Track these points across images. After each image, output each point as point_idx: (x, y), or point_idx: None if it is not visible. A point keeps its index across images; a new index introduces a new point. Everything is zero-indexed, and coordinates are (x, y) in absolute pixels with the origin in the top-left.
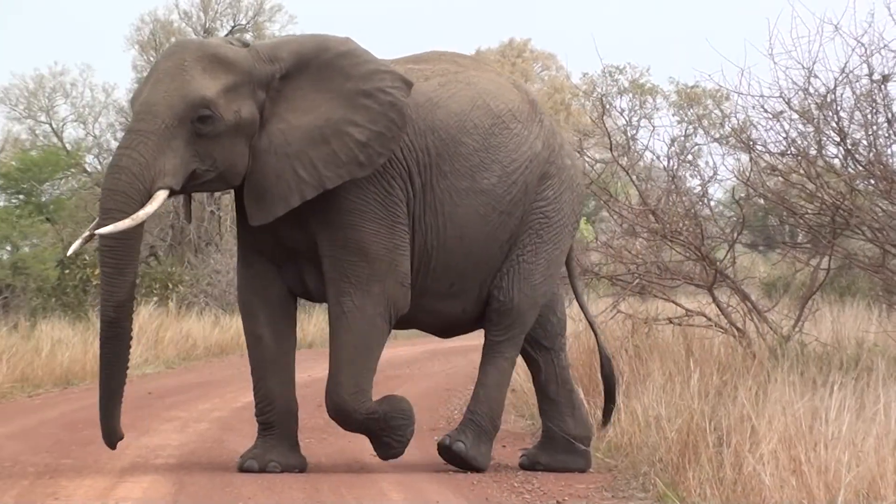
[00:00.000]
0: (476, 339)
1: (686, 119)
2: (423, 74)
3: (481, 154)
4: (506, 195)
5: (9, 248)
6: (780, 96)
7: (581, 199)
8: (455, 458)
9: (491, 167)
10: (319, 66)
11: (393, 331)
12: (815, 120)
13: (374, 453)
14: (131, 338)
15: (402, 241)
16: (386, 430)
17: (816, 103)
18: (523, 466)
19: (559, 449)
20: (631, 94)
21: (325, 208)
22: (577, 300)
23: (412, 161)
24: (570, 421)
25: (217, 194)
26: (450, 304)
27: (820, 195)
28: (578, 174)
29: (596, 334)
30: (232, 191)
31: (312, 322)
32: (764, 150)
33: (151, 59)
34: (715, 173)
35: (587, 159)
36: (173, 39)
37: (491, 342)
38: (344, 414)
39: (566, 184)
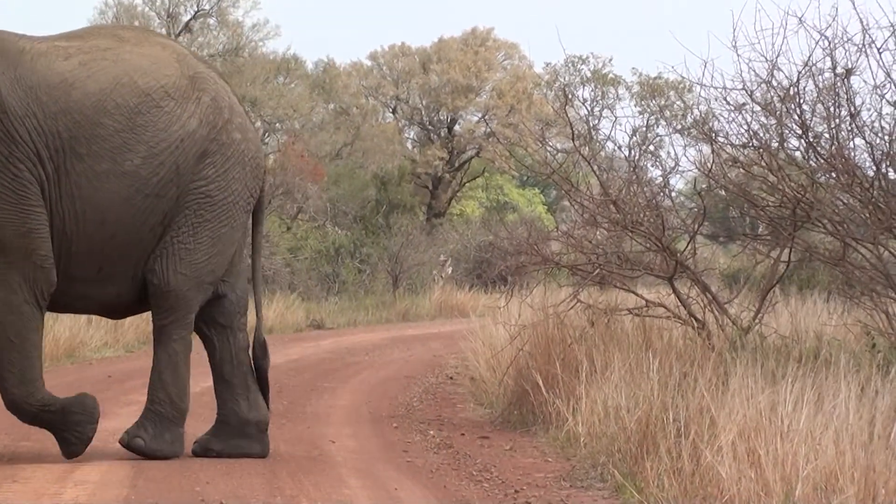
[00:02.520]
0: (437, 326)
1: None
2: (66, 53)
3: (124, 135)
4: (152, 177)
5: None
6: (743, 88)
7: (257, 172)
8: (140, 453)
9: (135, 148)
10: None
11: (351, 317)
12: (778, 112)
13: (334, 440)
14: None
15: (39, 224)
16: (64, 424)
17: (779, 96)
18: (195, 454)
19: (234, 434)
20: (593, 85)
21: None
22: (253, 276)
23: (41, 145)
24: (244, 404)
25: None
26: (102, 288)
27: (781, 188)
28: (252, 147)
29: (258, 318)
30: None
31: (272, 308)
32: (726, 141)
33: None
34: (676, 164)
35: (549, 149)
36: (137, 23)
37: (157, 326)
38: (15, 407)
39: (234, 159)
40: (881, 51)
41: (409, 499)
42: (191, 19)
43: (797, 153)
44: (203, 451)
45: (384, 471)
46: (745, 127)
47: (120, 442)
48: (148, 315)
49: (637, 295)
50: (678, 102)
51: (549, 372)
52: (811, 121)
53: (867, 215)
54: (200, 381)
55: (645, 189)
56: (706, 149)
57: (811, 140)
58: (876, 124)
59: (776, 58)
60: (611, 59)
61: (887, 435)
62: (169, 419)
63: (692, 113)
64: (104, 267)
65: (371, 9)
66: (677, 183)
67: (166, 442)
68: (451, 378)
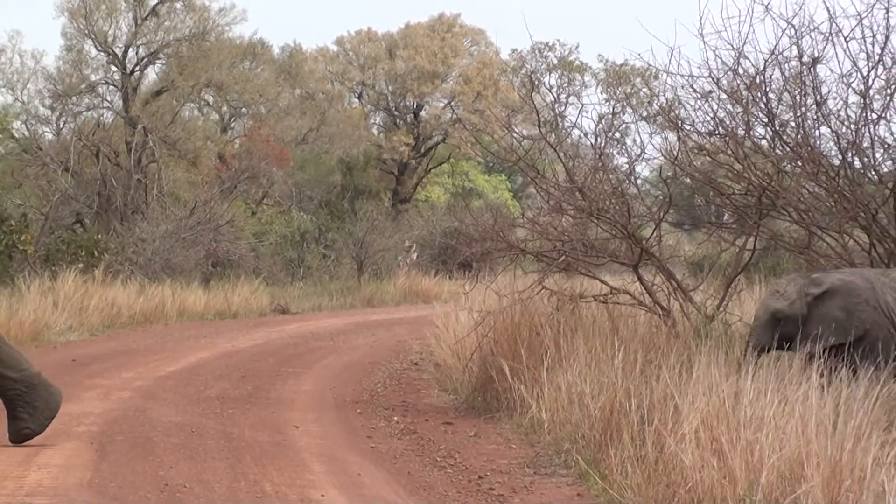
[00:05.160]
0: (402, 312)
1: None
2: None
3: None
4: None
5: None
6: (710, 76)
7: None
8: None
9: None
10: None
11: (316, 302)
12: (744, 101)
13: (297, 425)
14: None
15: None
16: None
17: (745, 84)
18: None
19: None
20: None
21: None
22: None
23: None
24: None
25: (144, 161)
26: None
27: (747, 176)
28: None
29: None
30: (159, 159)
31: (237, 293)
32: (692, 129)
33: (81, 26)
34: (642, 152)
35: (515, 135)
36: (104, 7)
37: None
38: None
39: None
40: (847, 40)
41: (372, 484)
42: (158, 3)
43: (763, 141)
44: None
45: (348, 456)
46: (712, 115)
47: None
48: (112, 299)
49: (602, 282)
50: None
51: (514, 358)
52: (777, 109)
53: (833, 204)
54: (164, 365)
55: (611, 176)
56: (672, 136)
57: (777, 128)
58: (842, 113)
59: (742, 46)
60: (577, 46)
61: (853, 423)
62: None
63: (658, 100)
64: None
65: None
66: (643, 170)
67: None
68: (416, 364)
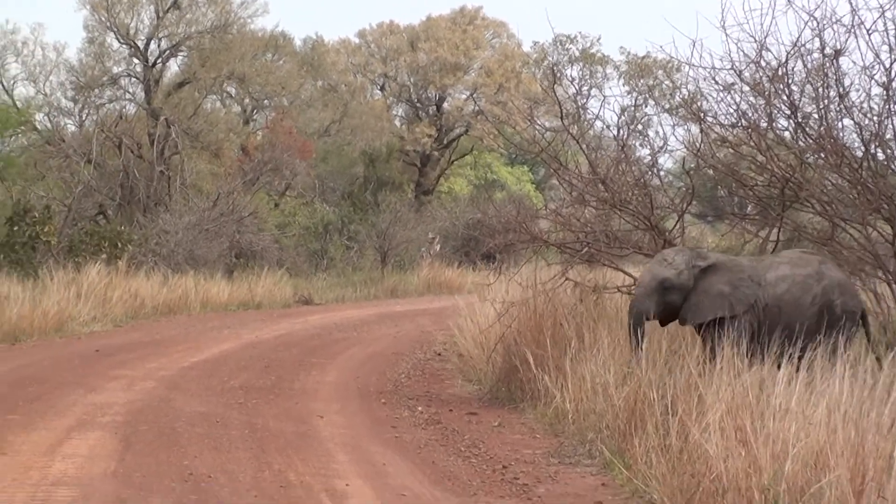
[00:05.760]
0: (425, 303)
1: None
2: None
3: None
4: None
5: None
6: (732, 68)
7: None
8: None
9: None
10: None
11: (339, 293)
12: (766, 93)
13: (322, 416)
14: None
15: None
16: None
17: (768, 76)
18: None
19: None
20: (581, 64)
21: None
22: None
23: None
24: None
25: (166, 153)
26: None
27: (770, 167)
28: None
29: None
30: (182, 151)
31: (260, 284)
32: (714, 121)
33: (103, 19)
34: (665, 144)
35: (537, 127)
36: (125, 0)
37: None
38: None
39: None
40: (870, 32)
41: (397, 474)
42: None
43: (786, 133)
44: None
45: (372, 446)
46: (734, 107)
47: None
48: (135, 290)
49: (625, 273)
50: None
51: (538, 349)
52: (800, 101)
53: (856, 196)
54: (188, 356)
55: (633, 168)
56: (695, 128)
57: (800, 120)
58: (864, 105)
59: (765, 38)
60: (599, 39)
61: (878, 414)
62: None
63: (681, 93)
64: None
65: None
66: (666, 162)
67: None
68: (440, 354)
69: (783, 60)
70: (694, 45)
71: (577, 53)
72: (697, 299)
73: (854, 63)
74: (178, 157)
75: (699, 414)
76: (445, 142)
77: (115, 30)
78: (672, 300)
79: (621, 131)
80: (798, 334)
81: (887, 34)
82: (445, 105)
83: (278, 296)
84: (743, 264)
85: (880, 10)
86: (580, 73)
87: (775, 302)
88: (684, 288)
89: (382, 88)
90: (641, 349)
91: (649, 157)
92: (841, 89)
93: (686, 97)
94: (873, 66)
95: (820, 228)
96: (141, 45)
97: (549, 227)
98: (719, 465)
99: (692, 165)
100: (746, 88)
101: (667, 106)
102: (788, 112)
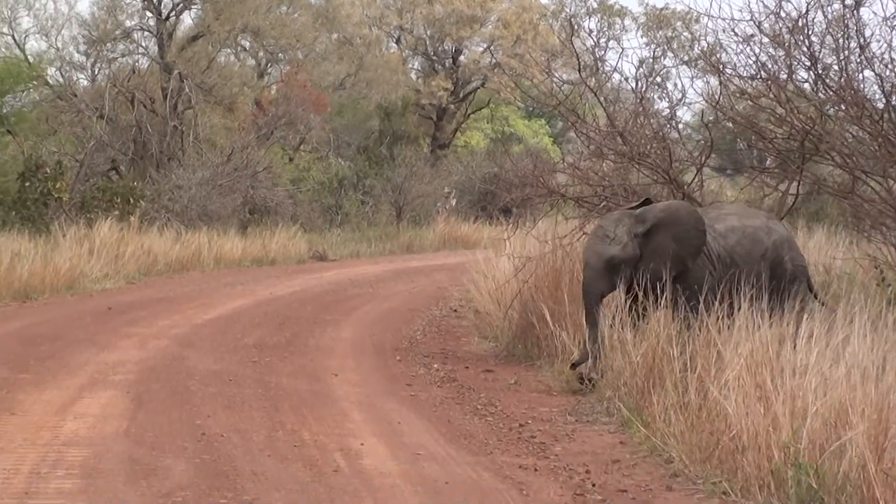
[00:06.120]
0: (441, 258)
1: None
2: None
3: None
4: None
5: None
6: (751, 20)
7: None
8: None
9: None
10: None
11: (354, 249)
12: (786, 44)
13: (336, 373)
14: None
15: None
16: None
17: (787, 27)
18: None
19: None
20: (599, 16)
21: None
22: None
23: None
24: None
25: (180, 108)
26: None
27: (790, 120)
28: None
29: None
30: (195, 105)
31: (274, 240)
32: (733, 73)
33: None
34: (683, 96)
35: (555, 80)
36: None
37: None
38: None
39: None
40: None
41: (412, 432)
42: None
43: (806, 85)
44: None
45: (387, 404)
46: (753, 58)
47: None
48: (148, 247)
49: None
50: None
51: (555, 304)
52: (820, 52)
53: (877, 148)
54: (201, 313)
55: (652, 121)
56: (714, 81)
57: (820, 72)
58: (886, 56)
59: None
60: None
61: None
62: None
63: (699, 44)
64: None
65: None
66: (684, 115)
67: None
68: (455, 311)
69: (803, 11)
70: None
71: (595, 5)
72: (647, 265)
73: (875, 14)
74: (191, 112)
75: (718, 371)
76: (462, 95)
77: None
78: (626, 274)
79: (639, 84)
80: (754, 288)
81: None
82: (462, 58)
83: (293, 252)
84: (683, 214)
85: None
86: (598, 24)
87: (727, 253)
88: (632, 260)
89: (398, 41)
90: (599, 340)
91: (668, 110)
92: (862, 40)
93: (705, 49)
94: (894, 17)
95: (840, 181)
96: None
97: (567, 180)
98: (739, 422)
99: (711, 118)
100: (766, 40)
101: (685, 58)
102: (808, 63)
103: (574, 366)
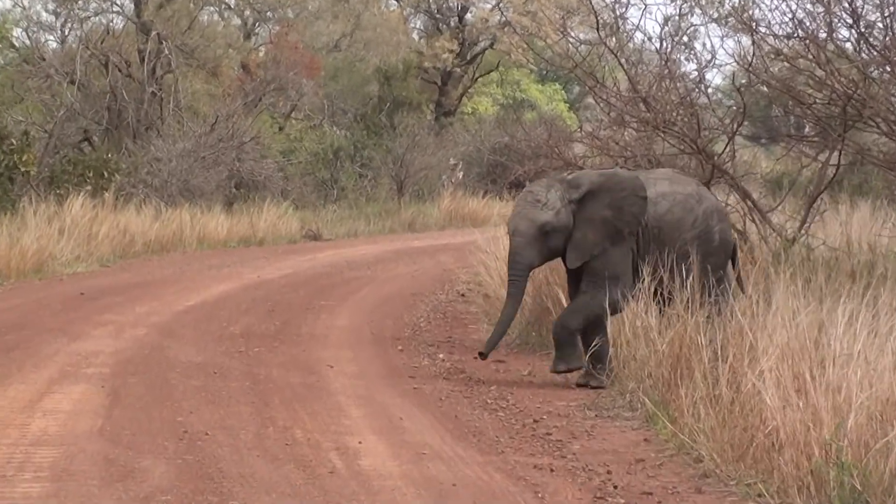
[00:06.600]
0: (447, 237)
1: None
2: None
3: None
4: None
5: None
6: None
7: None
8: None
9: None
10: None
11: (351, 227)
12: None
13: (332, 365)
14: None
15: None
16: None
17: None
18: None
19: None
20: None
21: None
22: None
23: None
24: None
25: (158, 72)
26: None
27: (830, 83)
28: None
29: None
30: (175, 70)
31: (263, 217)
32: (768, 32)
33: None
34: (713, 57)
35: (571, 40)
36: None
37: None
38: None
39: None
40: None
41: (415, 429)
42: None
43: (847, 45)
44: None
45: (388, 398)
46: (790, 15)
47: None
48: (124, 226)
49: None
50: None
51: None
52: (863, 9)
53: None
54: (182, 299)
55: (678, 85)
56: (746, 40)
57: (863, 30)
58: None
59: None
60: None
61: None
62: None
63: (730, 0)
64: None
65: None
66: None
67: None
68: (463, 295)
69: None
70: None
71: None
72: (581, 234)
73: None
74: (171, 77)
75: (752, 360)
76: (469, 57)
77: None
78: (555, 244)
79: (664, 44)
80: (676, 261)
81: None
82: (468, 16)
83: (283, 230)
84: (623, 179)
85: None
86: None
87: (656, 223)
88: (566, 228)
89: None
90: (510, 318)
91: (696, 73)
92: None
93: (736, 5)
94: None
95: (886, 150)
96: None
97: (585, 151)
98: (775, 417)
99: (743, 81)
100: None
101: (715, 15)
102: (850, 21)
103: (483, 355)
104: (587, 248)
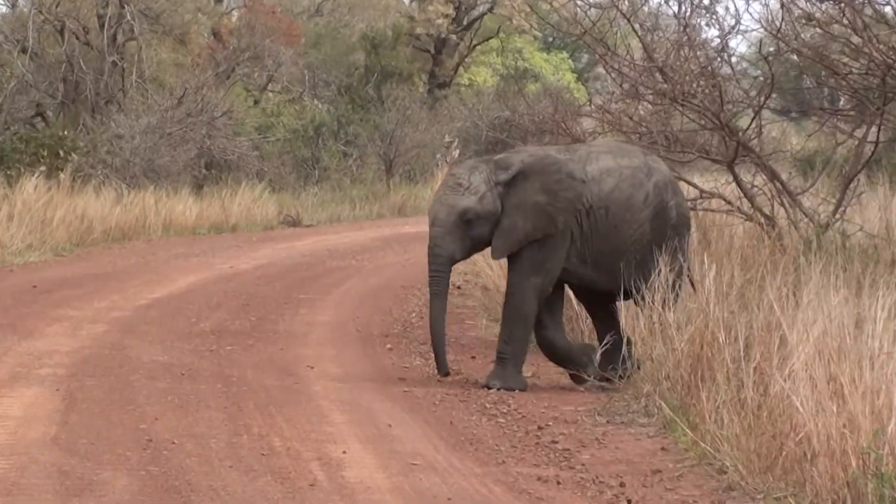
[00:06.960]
0: None
1: None
2: None
3: None
4: None
5: None
6: None
7: None
8: None
9: None
10: None
11: (334, 212)
12: None
13: (313, 365)
14: None
15: None
16: None
17: None
18: None
19: None
20: None
21: None
22: None
23: None
24: None
25: (120, 39)
26: None
27: (867, 51)
28: None
29: None
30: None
31: (236, 201)
32: None
33: None
34: (738, 23)
35: (579, 3)
36: None
37: None
38: None
39: None
40: None
41: (406, 437)
42: None
43: (888, 8)
44: None
45: (375, 403)
46: None
47: None
48: (82, 211)
49: (689, 183)
50: None
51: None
52: None
53: None
54: (146, 292)
55: (698, 53)
56: (774, 3)
57: None
58: None
59: None
60: None
61: None
62: None
63: None
64: None
65: None
66: (738, 46)
67: None
68: (459, 288)
69: None
70: None
71: None
72: (509, 222)
73: None
74: (134, 45)
75: (781, 360)
76: (465, 23)
77: None
78: (480, 233)
79: (683, 7)
80: (630, 247)
81: None
82: None
83: (259, 216)
84: (557, 160)
85: None
86: None
87: (602, 203)
88: (492, 215)
89: None
90: (442, 319)
91: (718, 40)
92: None
93: None
94: None
95: None
96: None
97: (595, 126)
98: (808, 422)
99: (771, 49)
100: None
101: None
102: None
103: (445, 372)
104: (516, 237)
